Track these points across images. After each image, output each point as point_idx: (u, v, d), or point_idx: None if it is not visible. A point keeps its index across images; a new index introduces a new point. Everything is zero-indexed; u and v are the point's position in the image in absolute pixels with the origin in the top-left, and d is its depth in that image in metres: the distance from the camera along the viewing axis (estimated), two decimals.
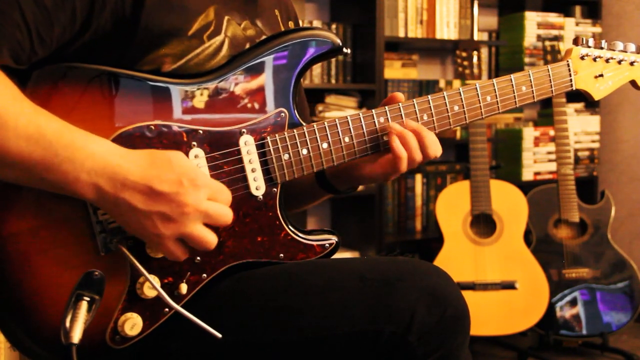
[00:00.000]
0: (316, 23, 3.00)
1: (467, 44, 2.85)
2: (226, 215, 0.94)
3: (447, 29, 3.20)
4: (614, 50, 1.25)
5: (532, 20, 3.38)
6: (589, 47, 1.23)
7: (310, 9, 3.13)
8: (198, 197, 0.90)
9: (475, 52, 2.82)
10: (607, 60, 1.24)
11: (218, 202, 0.93)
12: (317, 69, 2.94)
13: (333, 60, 2.96)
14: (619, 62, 1.25)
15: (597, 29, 3.53)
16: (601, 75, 1.24)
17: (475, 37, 3.07)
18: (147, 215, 0.89)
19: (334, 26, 2.98)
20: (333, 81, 2.98)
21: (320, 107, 2.90)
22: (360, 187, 1.64)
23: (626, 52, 1.26)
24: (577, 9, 3.54)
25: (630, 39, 3.49)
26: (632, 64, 1.26)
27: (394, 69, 3.13)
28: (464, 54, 2.83)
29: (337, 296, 0.99)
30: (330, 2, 3.15)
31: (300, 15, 3.07)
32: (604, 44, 1.24)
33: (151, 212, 0.88)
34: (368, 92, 2.96)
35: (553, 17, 3.45)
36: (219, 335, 0.95)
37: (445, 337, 0.98)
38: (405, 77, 3.17)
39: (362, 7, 2.95)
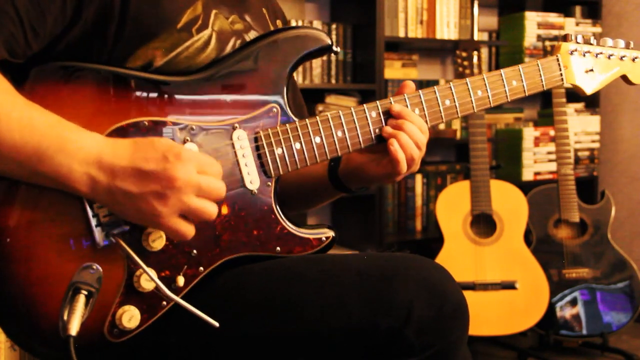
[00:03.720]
0: (316, 23, 3.00)
1: (467, 44, 2.85)
2: (219, 188, 0.94)
3: (447, 29, 3.20)
4: (603, 46, 1.28)
5: (532, 20, 3.38)
6: (578, 42, 1.26)
7: (310, 9, 3.13)
8: (187, 170, 0.90)
9: (475, 52, 2.81)
10: (596, 55, 1.27)
11: (209, 175, 0.93)
12: (317, 69, 2.94)
13: (333, 60, 2.97)
14: (609, 57, 1.28)
15: (597, 29, 3.53)
16: (592, 70, 1.26)
17: (476, 37, 3.07)
18: (141, 198, 0.89)
19: (334, 26, 2.98)
20: (333, 81, 2.98)
21: (320, 107, 2.90)
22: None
23: (615, 47, 1.29)
24: (577, 9, 3.54)
25: (631, 39, 3.46)
26: (621, 58, 1.29)
27: (394, 69, 3.14)
28: (464, 54, 2.82)
29: (335, 290, 0.99)
30: (330, 2, 3.15)
31: (300, 15, 3.07)
32: (592, 40, 1.27)
33: (144, 192, 0.89)
34: (368, 92, 2.96)
35: (553, 17, 3.45)
36: (216, 324, 0.96)
37: (443, 331, 0.98)
38: (406, 77, 3.17)
39: (362, 7, 2.95)
